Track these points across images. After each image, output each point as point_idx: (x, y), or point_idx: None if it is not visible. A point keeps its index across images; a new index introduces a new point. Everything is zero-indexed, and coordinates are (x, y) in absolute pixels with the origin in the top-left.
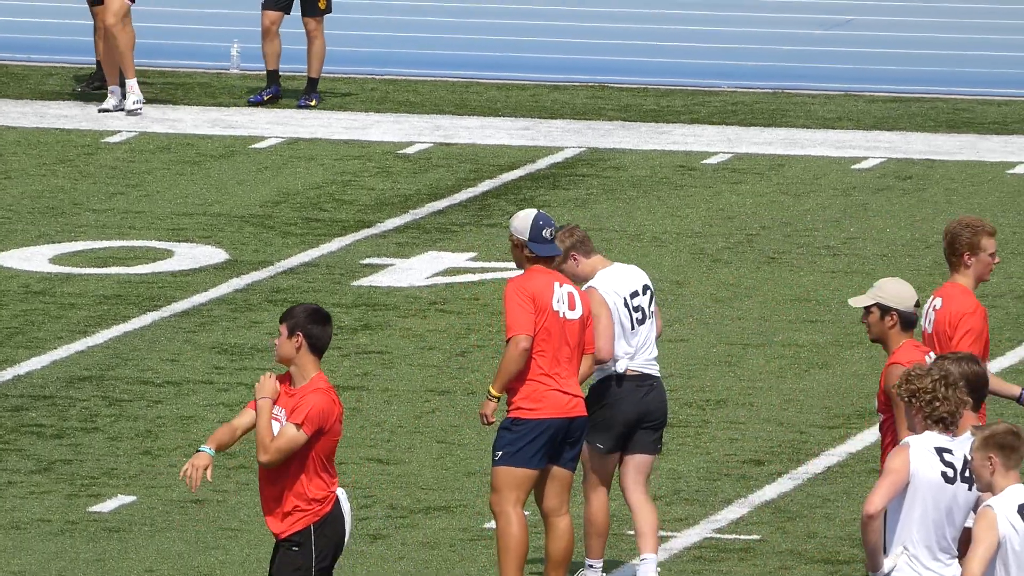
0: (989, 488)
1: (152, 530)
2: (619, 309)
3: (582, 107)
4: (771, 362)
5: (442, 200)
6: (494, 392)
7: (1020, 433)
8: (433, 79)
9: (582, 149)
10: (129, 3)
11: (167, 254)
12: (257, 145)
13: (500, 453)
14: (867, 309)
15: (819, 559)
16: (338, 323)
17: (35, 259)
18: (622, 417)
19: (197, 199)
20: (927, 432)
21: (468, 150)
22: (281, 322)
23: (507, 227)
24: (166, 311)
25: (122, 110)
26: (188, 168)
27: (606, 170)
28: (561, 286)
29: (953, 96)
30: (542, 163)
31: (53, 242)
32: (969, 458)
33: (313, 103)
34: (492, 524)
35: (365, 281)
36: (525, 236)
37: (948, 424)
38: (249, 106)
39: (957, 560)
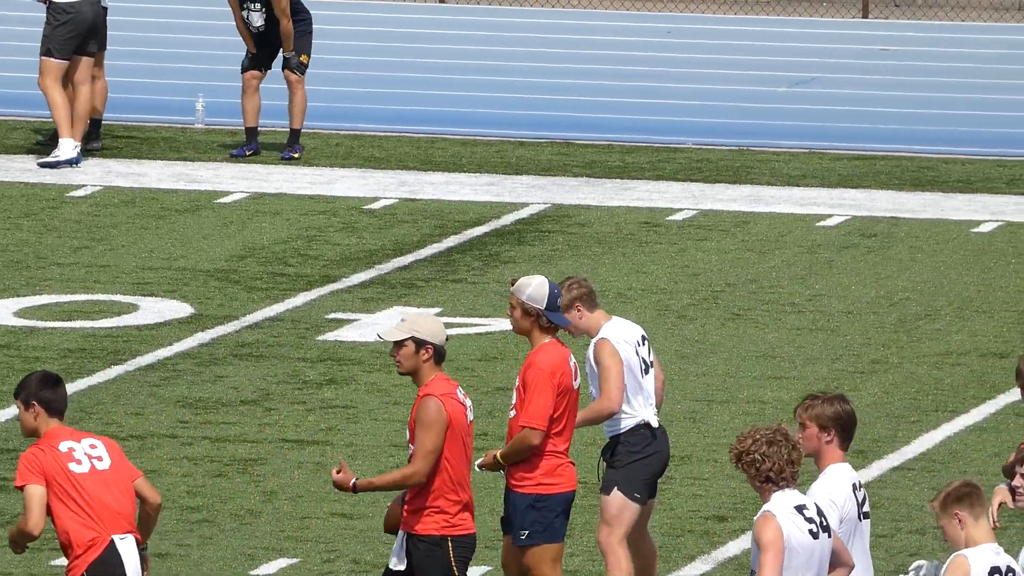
0: (966, 544)
1: None
2: (631, 358)
3: (547, 163)
4: (736, 418)
5: (407, 255)
6: (502, 461)
7: (972, 482)
8: (398, 135)
9: (547, 205)
10: (59, 62)
11: (132, 308)
12: (222, 200)
13: (528, 532)
14: (400, 343)
15: None
16: (303, 377)
17: None
18: (660, 466)
19: (162, 253)
20: (777, 495)
21: (433, 206)
22: (16, 397)
23: (473, 283)
24: (131, 365)
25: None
26: (153, 222)
27: (571, 226)
28: (570, 359)
29: (917, 155)
30: (507, 219)
31: (18, 296)
32: (937, 521)
33: (297, 155)
34: None
35: (330, 336)
36: (542, 305)
37: (777, 480)
38: (231, 159)
39: None
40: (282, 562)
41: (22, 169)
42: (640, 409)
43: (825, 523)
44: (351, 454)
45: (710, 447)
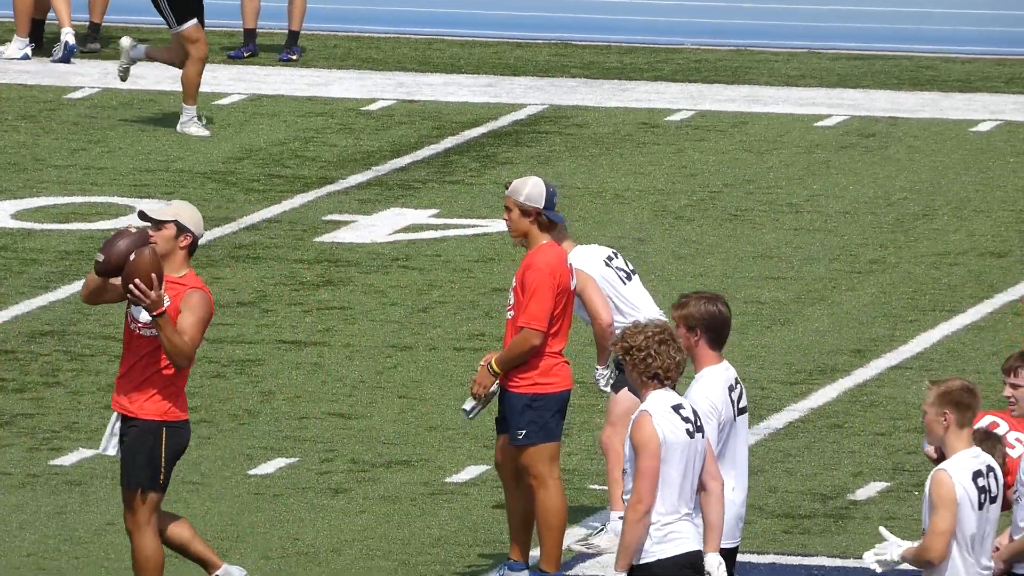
0: (939, 443)
1: (113, 483)
2: (604, 272)
3: (545, 64)
4: (733, 319)
5: (405, 157)
6: (497, 369)
7: (975, 390)
8: (396, 36)
9: (545, 106)
10: None
11: (129, 210)
12: (220, 102)
13: (524, 431)
14: (161, 224)
15: (780, 513)
16: (300, 279)
17: None
18: None
19: (160, 155)
20: (656, 394)
21: (431, 107)
22: None
23: (470, 184)
24: None
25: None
26: (150, 124)
27: (569, 127)
28: (567, 260)
29: (916, 54)
30: (505, 120)
31: (15, 198)
32: (923, 412)
33: (295, 56)
34: (453, 479)
35: (327, 237)
36: (540, 204)
37: (663, 379)
38: (229, 60)
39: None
40: (280, 462)
41: (19, 71)
42: (634, 315)
43: (699, 424)
44: (348, 355)
45: None
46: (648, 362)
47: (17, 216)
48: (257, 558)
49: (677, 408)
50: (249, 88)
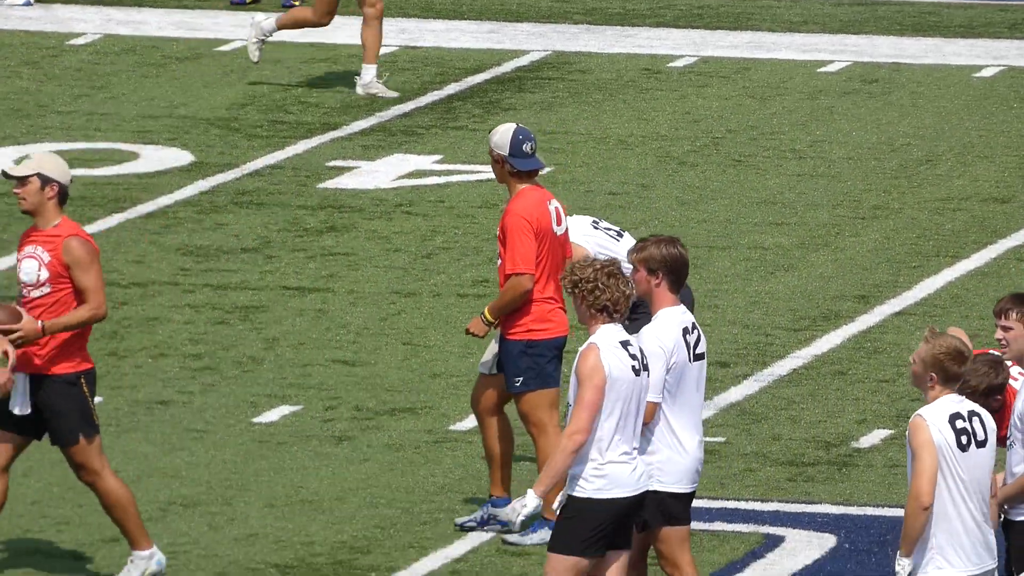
0: (923, 391)
1: (118, 431)
2: (592, 236)
3: (547, 10)
4: (737, 264)
5: (408, 103)
6: (490, 318)
7: (966, 356)
8: None
9: (547, 52)
10: None
11: (133, 156)
12: (223, 48)
13: (521, 378)
14: (25, 179)
15: (784, 461)
16: (303, 225)
17: (0, 161)
18: None
19: (163, 101)
20: (604, 327)
21: (433, 53)
22: None
23: (474, 130)
24: (132, 213)
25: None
26: (153, 70)
27: (572, 73)
28: (550, 202)
29: (919, 0)
30: (508, 66)
31: (18, 144)
32: (911, 362)
33: (297, 2)
34: (457, 427)
35: (331, 183)
36: (505, 151)
37: (611, 312)
38: (232, 7)
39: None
40: (284, 409)
41: (22, 17)
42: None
43: (645, 363)
44: (352, 301)
45: (711, 293)
46: (597, 295)
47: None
48: (261, 506)
49: (625, 344)
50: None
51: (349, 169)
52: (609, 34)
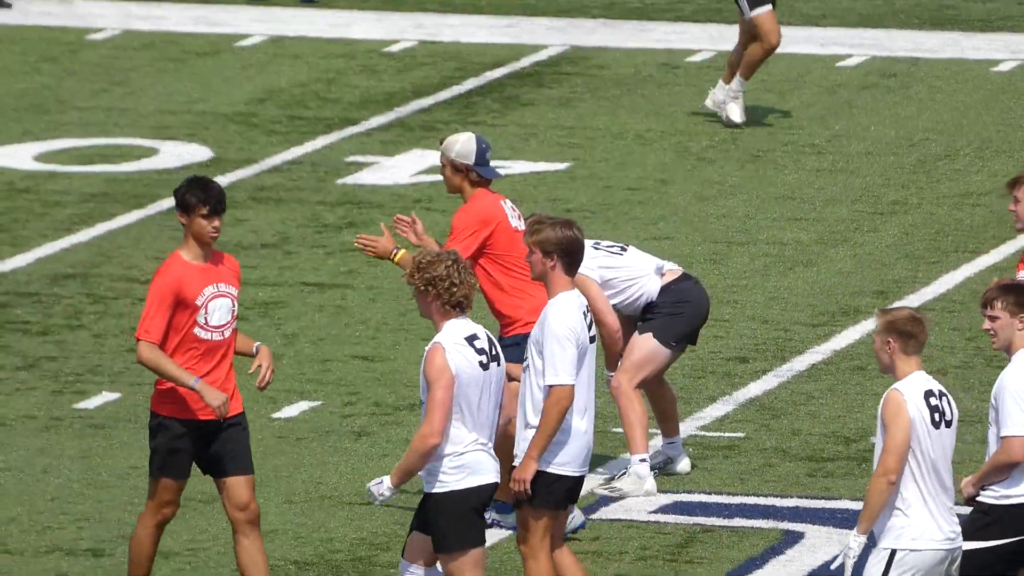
0: (890, 371)
1: (137, 427)
2: (596, 259)
3: (566, 5)
4: (755, 260)
5: (426, 98)
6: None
7: (922, 320)
8: None
9: (566, 47)
10: None
11: (152, 152)
12: (241, 43)
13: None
14: None
15: (803, 456)
16: (323, 221)
17: (19, 156)
18: (703, 312)
19: (182, 97)
20: (451, 323)
21: (452, 48)
22: None
23: (492, 125)
24: (151, 209)
25: None
26: (173, 66)
27: (590, 68)
28: (504, 202)
29: None
30: (526, 61)
31: (38, 140)
32: (874, 340)
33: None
34: None
35: (350, 179)
36: (471, 160)
37: (464, 307)
38: (250, 1)
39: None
40: (303, 405)
41: (41, 12)
42: (637, 288)
43: (495, 353)
44: (371, 297)
45: (731, 288)
46: (453, 291)
47: (40, 158)
48: (280, 502)
49: (471, 339)
50: (270, 29)
51: (368, 165)
52: (627, 29)
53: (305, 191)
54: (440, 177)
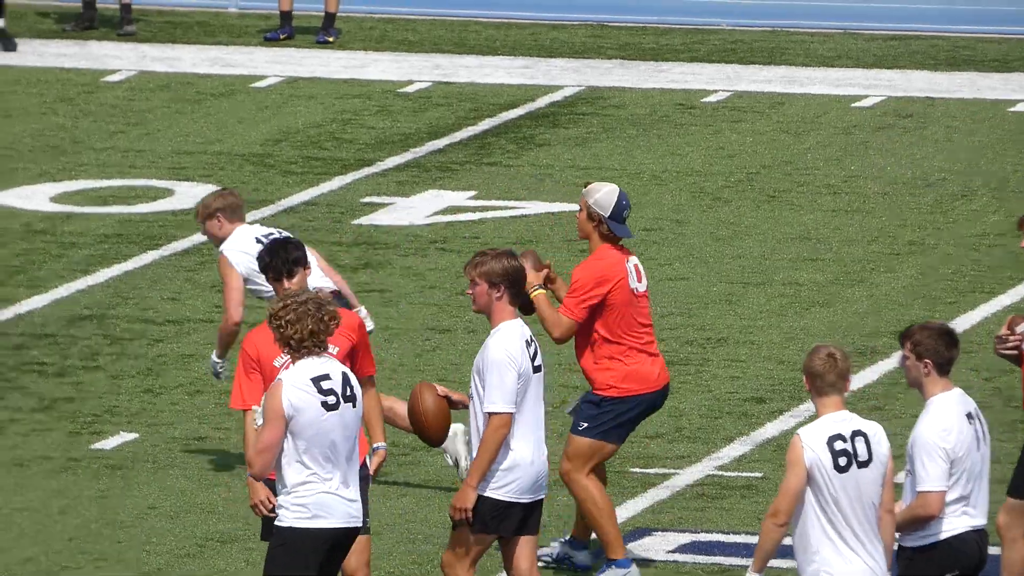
0: (816, 412)
1: (155, 467)
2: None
3: (581, 46)
4: (772, 300)
5: (442, 139)
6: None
7: (835, 356)
8: (432, 17)
9: (581, 88)
10: None
11: (168, 193)
12: (257, 84)
13: (586, 424)
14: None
15: None
16: (338, 261)
17: (36, 198)
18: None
19: (197, 138)
20: (302, 363)
21: (468, 89)
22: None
23: (508, 166)
24: (167, 250)
25: None
26: (188, 107)
27: (606, 108)
28: (628, 260)
29: (952, 34)
30: (541, 102)
31: (54, 181)
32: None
33: (332, 39)
34: None
35: (365, 219)
36: (607, 213)
37: (312, 348)
38: (265, 42)
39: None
40: None
41: (56, 54)
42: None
43: (350, 394)
44: (387, 338)
45: (746, 329)
46: (310, 333)
47: (56, 199)
48: None
49: (319, 379)
50: (286, 70)
51: (384, 205)
52: (643, 69)
53: (321, 231)
54: (456, 217)
